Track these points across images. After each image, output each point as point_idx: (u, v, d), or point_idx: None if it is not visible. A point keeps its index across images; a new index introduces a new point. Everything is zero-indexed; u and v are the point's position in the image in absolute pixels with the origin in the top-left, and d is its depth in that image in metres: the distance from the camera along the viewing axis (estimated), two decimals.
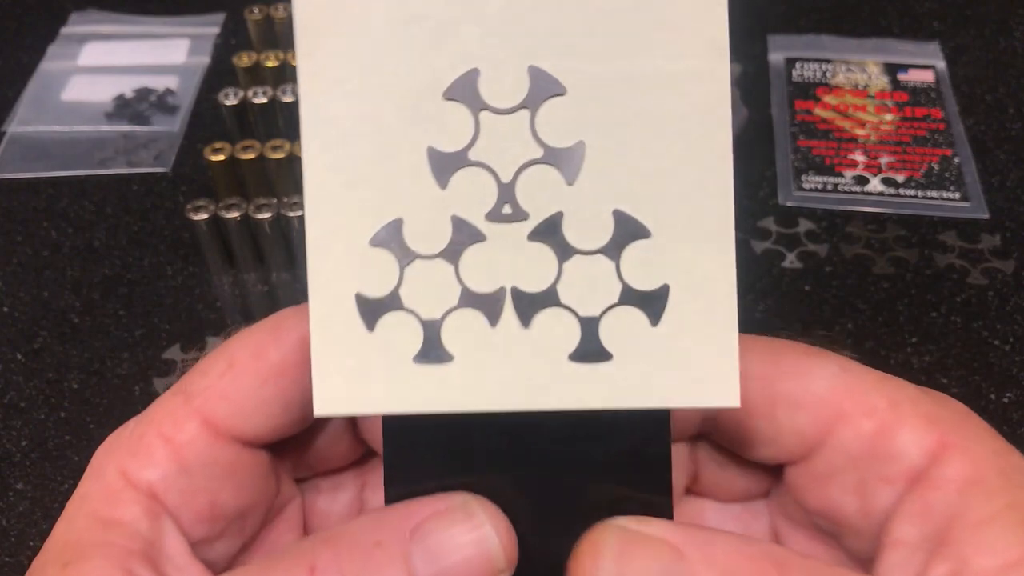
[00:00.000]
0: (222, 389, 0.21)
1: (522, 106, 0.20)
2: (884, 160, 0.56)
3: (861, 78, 0.61)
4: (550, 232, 0.20)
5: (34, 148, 0.58)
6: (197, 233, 0.50)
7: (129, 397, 0.46)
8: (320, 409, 0.19)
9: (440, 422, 0.20)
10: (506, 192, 0.20)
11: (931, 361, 0.46)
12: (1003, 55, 0.64)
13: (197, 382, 0.21)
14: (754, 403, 0.21)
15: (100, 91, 0.61)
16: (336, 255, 0.20)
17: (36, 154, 0.58)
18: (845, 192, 0.54)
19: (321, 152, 0.20)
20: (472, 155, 0.20)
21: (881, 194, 0.54)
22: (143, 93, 0.61)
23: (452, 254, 0.20)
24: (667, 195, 0.20)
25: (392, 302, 0.20)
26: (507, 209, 0.20)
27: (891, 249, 0.51)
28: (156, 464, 0.20)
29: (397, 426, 0.20)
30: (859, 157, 0.56)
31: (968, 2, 0.67)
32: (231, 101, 0.55)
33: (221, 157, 0.51)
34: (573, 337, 0.20)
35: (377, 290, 0.20)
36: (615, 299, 0.20)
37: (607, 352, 0.20)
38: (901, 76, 0.61)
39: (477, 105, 0.20)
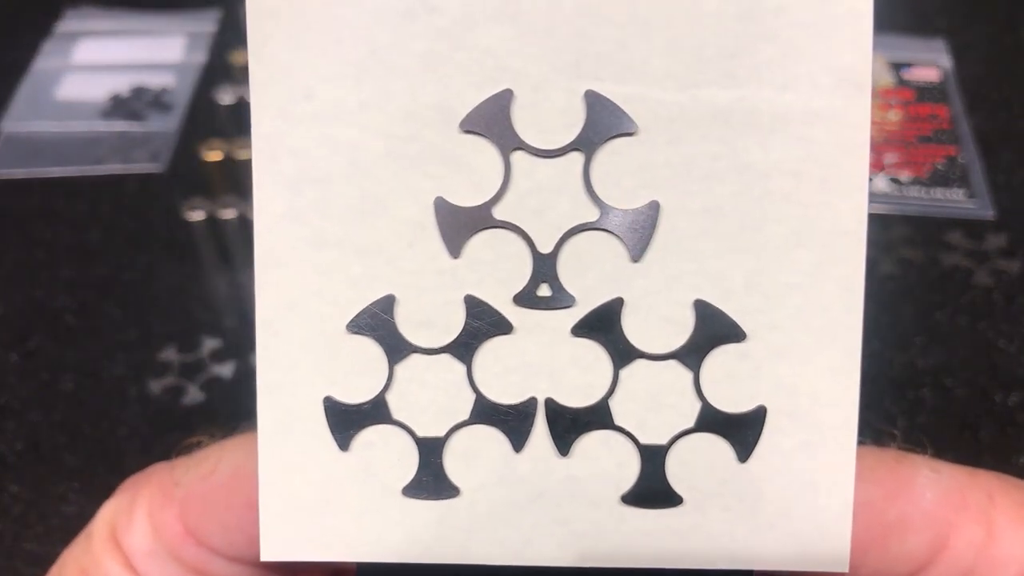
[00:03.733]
0: (199, 493, 0.18)
1: (573, 147, 0.14)
2: (889, 159, 0.55)
3: None
4: (604, 326, 0.15)
5: (28, 147, 0.58)
6: (193, 233, 0.49)
7: (124, 399, 0.45)
8: (269, 552, 0.15)
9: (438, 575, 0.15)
10: (544, 267, 0.15)
11: (936, 362, 0.45)
12: (1009, 53, 0.63)
13: (186, 472, 0.18)
14: (861, 537, 0.17)
15: (95, 89, 0.61)
16: (297, 344, 0.15)
17: (30, 153, 0.57)
18: None
19: (279, 197, 0.14)
20: (499, 212, 0.14)
21: (886, 194, 0.53)
22: (139, 91, 0.61)
23: (464, 349, 0.15)
24: (772, 283, 0.14)
25: (376, 412, 0.15)
26: (544, 290, 0.15)
27: (896, 249, 0.51)
28: (136, 535, 0.19)
29: None
30: None
31: None
32: (228, 99, 0.54)
33: (217, 156, 0.51)
34: (629, 472, 0.15)
35: (355, 395, 0.15)
36: (690, 423, 0.15)
37: (675, 495, 0.15)
38: (906, 74, 0.60)
39: (509, 143, 0.14)
